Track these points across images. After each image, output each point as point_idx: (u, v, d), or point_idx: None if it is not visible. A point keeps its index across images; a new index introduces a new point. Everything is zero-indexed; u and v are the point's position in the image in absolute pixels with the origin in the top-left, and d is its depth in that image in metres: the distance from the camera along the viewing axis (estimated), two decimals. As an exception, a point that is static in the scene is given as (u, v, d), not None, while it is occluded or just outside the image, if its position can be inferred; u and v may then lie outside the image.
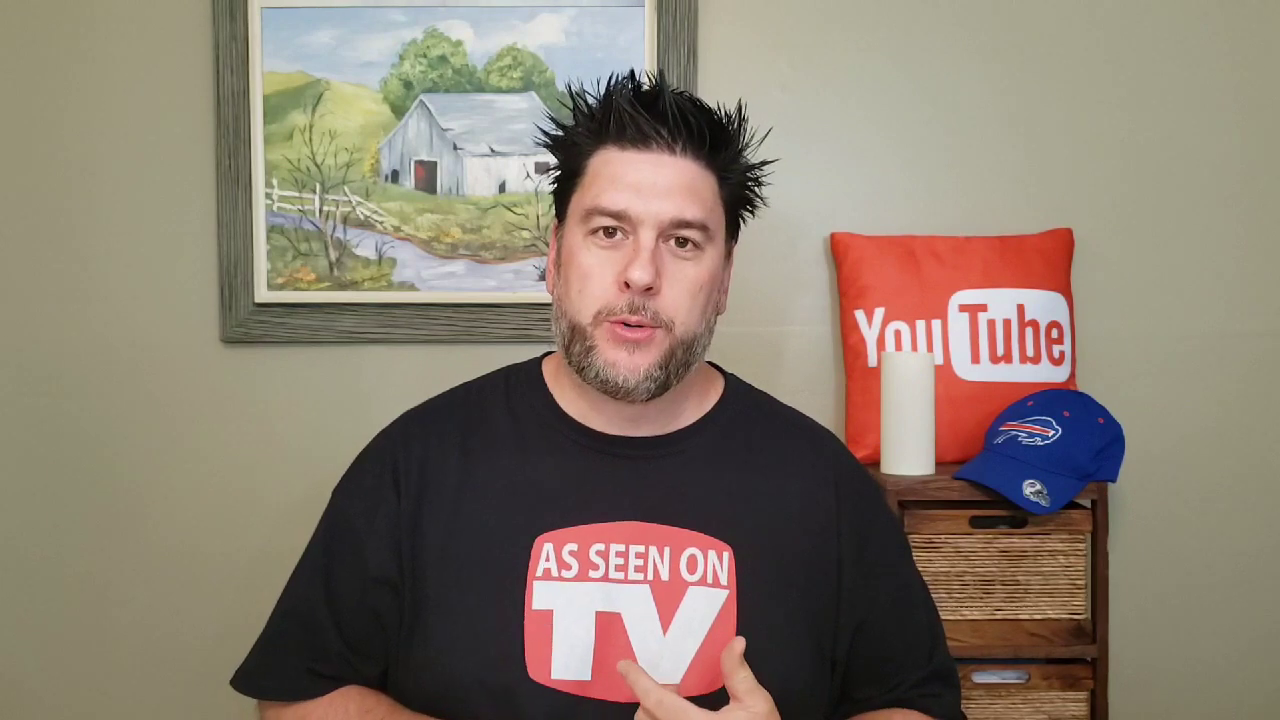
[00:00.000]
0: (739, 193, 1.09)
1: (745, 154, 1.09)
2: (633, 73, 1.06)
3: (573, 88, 1.09)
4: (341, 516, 1.11)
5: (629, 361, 1.02)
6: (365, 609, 1.07)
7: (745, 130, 1.08)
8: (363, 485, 1.11)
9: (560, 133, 1.09)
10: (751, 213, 1.13)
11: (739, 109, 1.08)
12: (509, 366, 1.17)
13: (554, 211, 1.12)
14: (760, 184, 1.11)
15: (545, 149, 1.11)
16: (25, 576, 1.66)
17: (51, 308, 1.66)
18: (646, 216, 1.01)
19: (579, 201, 1.05)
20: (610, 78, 1.06)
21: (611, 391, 1.03)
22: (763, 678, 0.97)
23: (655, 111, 1.02)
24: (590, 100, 1.07)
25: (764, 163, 1.11)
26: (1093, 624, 1.49)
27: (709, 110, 1.06)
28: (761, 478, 1.09)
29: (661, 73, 1.07)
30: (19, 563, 1.66)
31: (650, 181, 1.02)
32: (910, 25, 1.67)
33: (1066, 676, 1.49)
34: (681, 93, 1.05)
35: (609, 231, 1.03)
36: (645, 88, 1.05)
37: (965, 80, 1.67)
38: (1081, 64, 1.67)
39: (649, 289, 1.01)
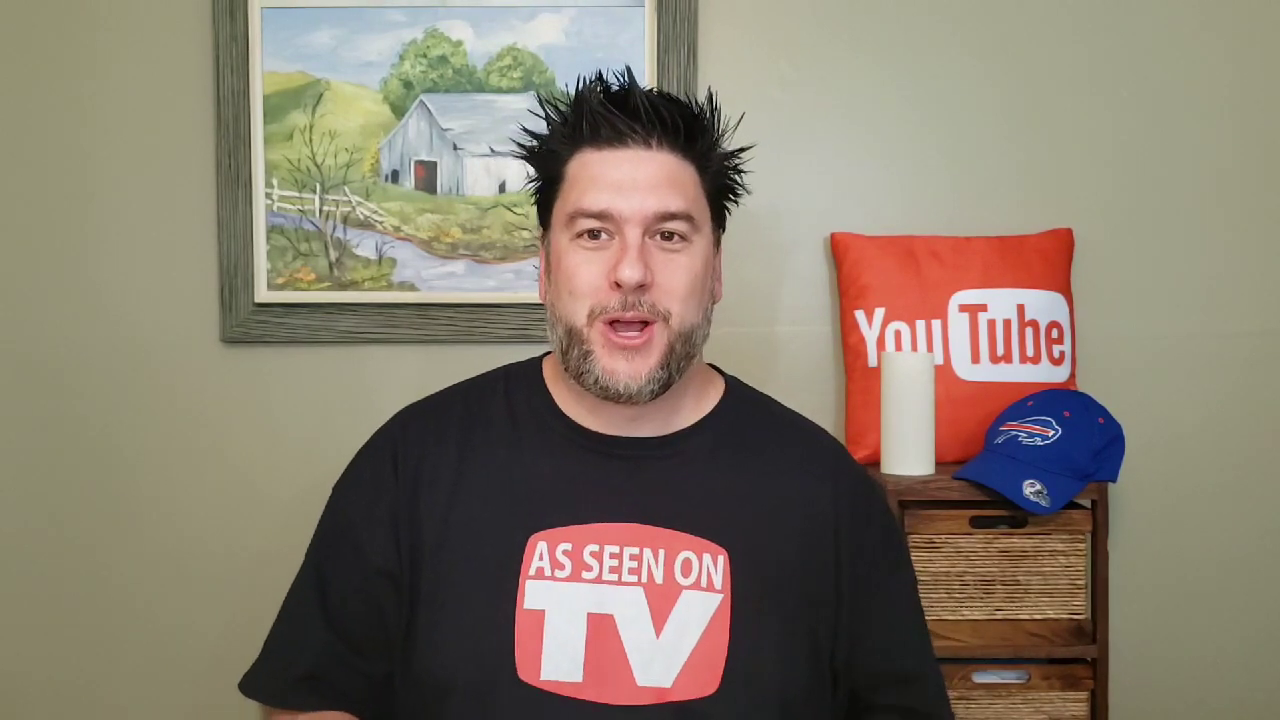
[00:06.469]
0: (720, 181, 1.09)
1: (722, 143, 1.09)
2: (600, 74, 1.06)
3: (542, 96, 1.10)
4: (339, 514, 1.11)
5: (628, 369, 1.02)
6: (366, 604, 1.07)
7: (720, 118, 1.08)
8: (361, 479, 1.12)
9: (535, 143, 1.09)
10: (735, 201, 1.13)
11: (710, 98, 1.08)
12: (508, 365, 1.18)
13: (538, 221, 1.12)
14: (740, 171, 1.11)
15: (524, 160, 1.11)
16: (25, 576, 1.66)
17: (51, 308, 1.66)
18: (630, 214, 1.01)
19: (561, 207, 1.06)
20: (578, 81, 1.06)
21: (613, 398, 1.03)
22: (758, 683, 0.97)
23: (628, 108, 1.03)
24: (561, 106, 1.07)
25: (741, 149, 1.11)
26: (1093, 624, 1.49)
27: (681, 102, 1.06)
28: (759, 480, 1.09)
29: (629, 69, 1.07)
30: (19, 563, 1.66)
31: (630, 178, 1.02)
32: (910, 25, 1.67)
33: (1066, 676, 1.49)
34: (651, 89, 1.06)
35: (594, 233, 1.03)
36: (615, 87, 1.05)
37: (965, 80, 1.67)
38: (1081, 64, 1.67)
39: (641, 286, 1.01)
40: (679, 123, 1.03)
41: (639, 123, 1.02)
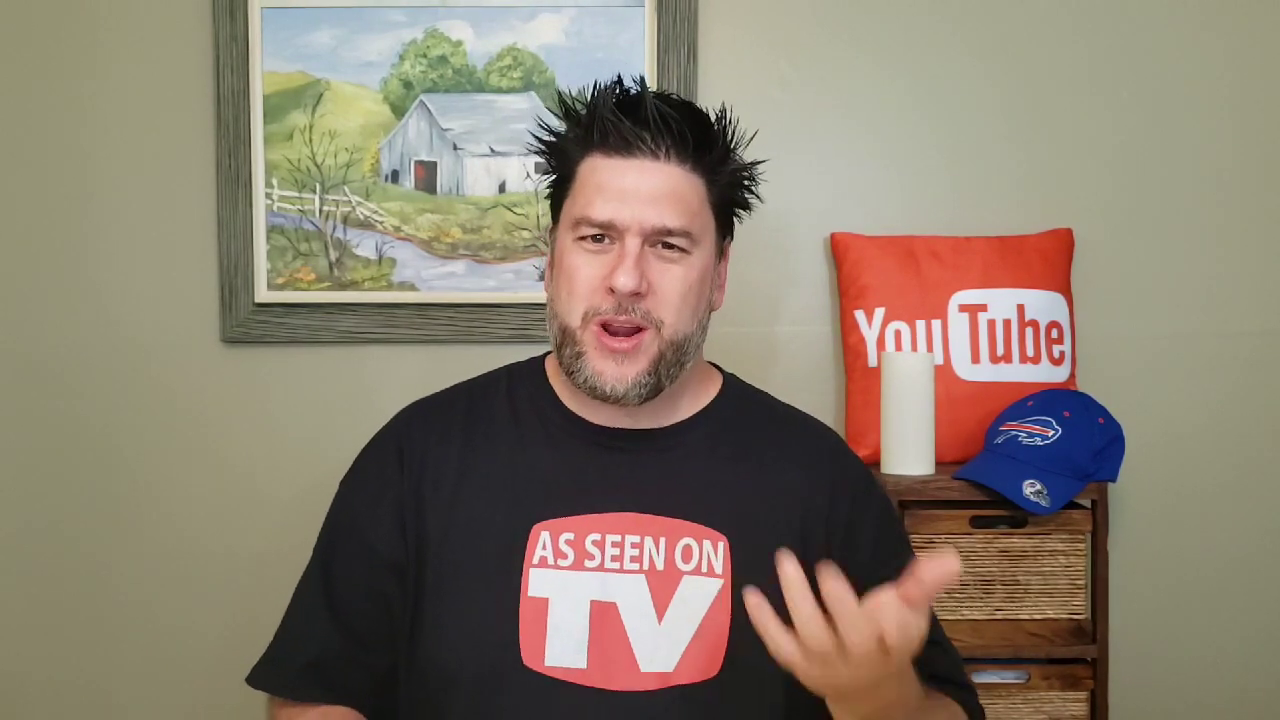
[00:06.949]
0: (729, 194, 1.10)
1: (735, 154, 1.09)
2: (619, 78, 1.07)
3: (563, 93, 1.11)
4: (345, 509, 1.13)
5: (616, 372, 1.03)
6: (372, 598, 1.08)
7: (732, 131, 1.08)
8: (367, 474, 1.13)
9: (553, 139, 1.10)
10: (746, 212, 1.13)
11: (724, 111, 1.08)
12: (510, 364, 1.19)
13: (550, 215, 1.13)
14: (754, 182, 1.12)
15: (539, 155, 1.12)
16: (26, 576, 1.66)
17: (52, 308, 1.66)
18: (632, 223, 1.02)
19: (569, 209, 1.07)
20: (594, 84, 1.07)
21: (601, 398, 1.05)
22: (759, 666, 0.97)
23: (638, 118, 1.03)
24: (578, 106, 1.07)
25: (754, 163, 1.11)
26: (1093, 624, 1.49)
27: (694, 113, 1.06)
28: (757, 469, 1.10)
29: (643, 78, 1.07)
30: (20, 563, 1.66)
31: (635, 188, 1.03)
32: (910, 25, 1.67)
33: (1066, 676, 1.49)
34: (667, 96, 1.06)
35: (597, 238, 1.04)
36: (631, 93, 1.06)
37: (965, 80, 1.67)
38: (1081, 64, 1.67)
39: (636, 294, 1.02)
40: (688, 135, 1.04)
41: (648, 133, 1.03)
